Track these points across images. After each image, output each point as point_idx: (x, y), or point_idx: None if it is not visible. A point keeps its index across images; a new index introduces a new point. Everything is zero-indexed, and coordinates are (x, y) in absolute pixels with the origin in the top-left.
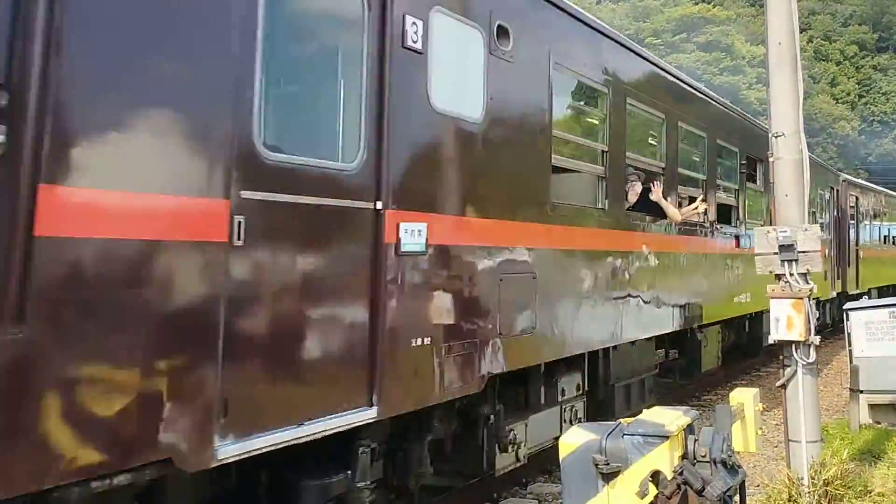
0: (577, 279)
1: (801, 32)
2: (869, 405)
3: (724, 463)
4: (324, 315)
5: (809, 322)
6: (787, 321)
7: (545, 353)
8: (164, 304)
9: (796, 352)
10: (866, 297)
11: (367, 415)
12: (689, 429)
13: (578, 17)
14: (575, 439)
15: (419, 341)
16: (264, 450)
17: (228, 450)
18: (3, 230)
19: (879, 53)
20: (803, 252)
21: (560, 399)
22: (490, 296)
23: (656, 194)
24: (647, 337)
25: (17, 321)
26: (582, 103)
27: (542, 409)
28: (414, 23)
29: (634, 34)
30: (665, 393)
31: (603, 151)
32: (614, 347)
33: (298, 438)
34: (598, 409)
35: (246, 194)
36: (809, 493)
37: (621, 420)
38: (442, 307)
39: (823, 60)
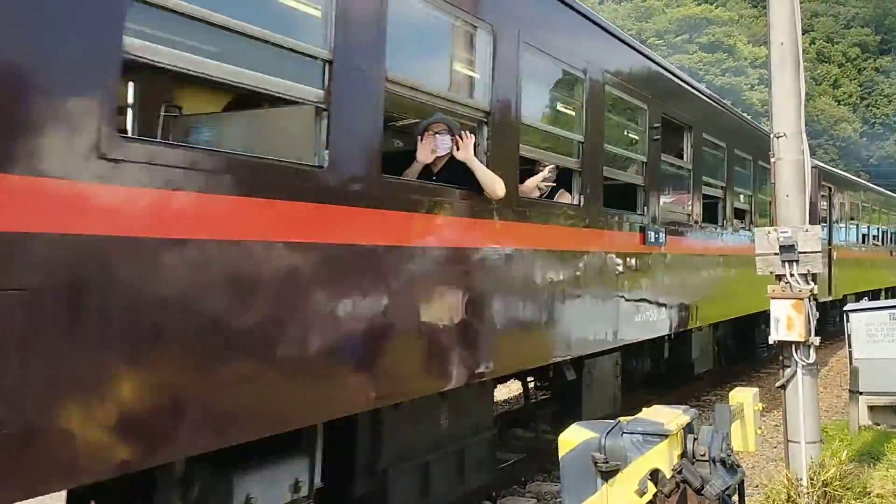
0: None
1: (803, 34)
2: (868, 407)
3: (723, 462)
4: None
5: (809, 323)
6: (788, 322)
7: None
8: None
9: (796, 352)
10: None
11: None
12: (689, 428)
13: None
14: (574, 437)
15: None
16: None
17: None
18: None
19: (882, 56)
20: (804, 253)
21: None
22: None
23: (464, 152)
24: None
25: None
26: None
27: None
28: None
29: (637, 34)
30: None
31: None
32: (395, 406)
33: None
34: None
35: None
36: (808, 493)
37: (620, 418)
38: None
39: (826, 62)
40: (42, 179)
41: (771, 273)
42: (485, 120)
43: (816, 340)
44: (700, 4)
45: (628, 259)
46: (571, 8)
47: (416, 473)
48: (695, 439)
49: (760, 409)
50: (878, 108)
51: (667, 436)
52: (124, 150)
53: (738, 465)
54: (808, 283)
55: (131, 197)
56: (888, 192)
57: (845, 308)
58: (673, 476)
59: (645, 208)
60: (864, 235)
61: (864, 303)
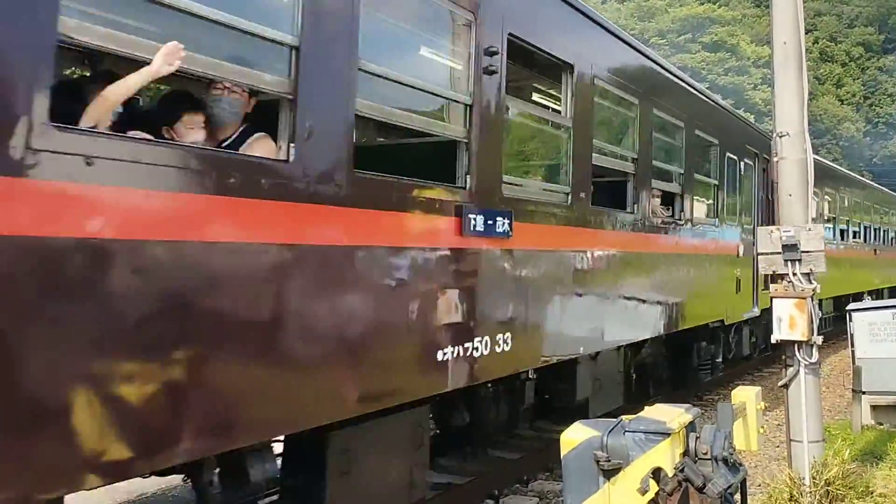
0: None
1: (806, 33)
2: (871, 406)
3: (725, 461)
4: None
5: (812, 322)
6: (790, 321)
7: None
8: None
9: (799, 352)
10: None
11: None
12: (691, 426)
13: None
14: (576, 436)
15: None
16: None
17: None
18: None
19: (885, 55)
20: (807, 252)
21: None
22: None
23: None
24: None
25: None
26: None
27: None
28: None
29: (640, 34)
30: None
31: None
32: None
33: None
34: None
35: None
36: (811, 493)
37: (623, 417)
38: None
39: (829, 62)
40: None
41: (774, 272)
42: None
43: (819, 339)
44: (703, 4)
45: (429, 258)
46: None
47: None
48: (697, 438)
49: (763, 407)
50: (881, 108)
51: (669, 434)
52: (56, 139)
53: (741, 464)
54: (810, 283)
55: (64, 191)
56: (870, 183)
57: (848, 307)
58: (675, 474)
59: (468, 177)
60: (843, 231)
61: (867, 302)
